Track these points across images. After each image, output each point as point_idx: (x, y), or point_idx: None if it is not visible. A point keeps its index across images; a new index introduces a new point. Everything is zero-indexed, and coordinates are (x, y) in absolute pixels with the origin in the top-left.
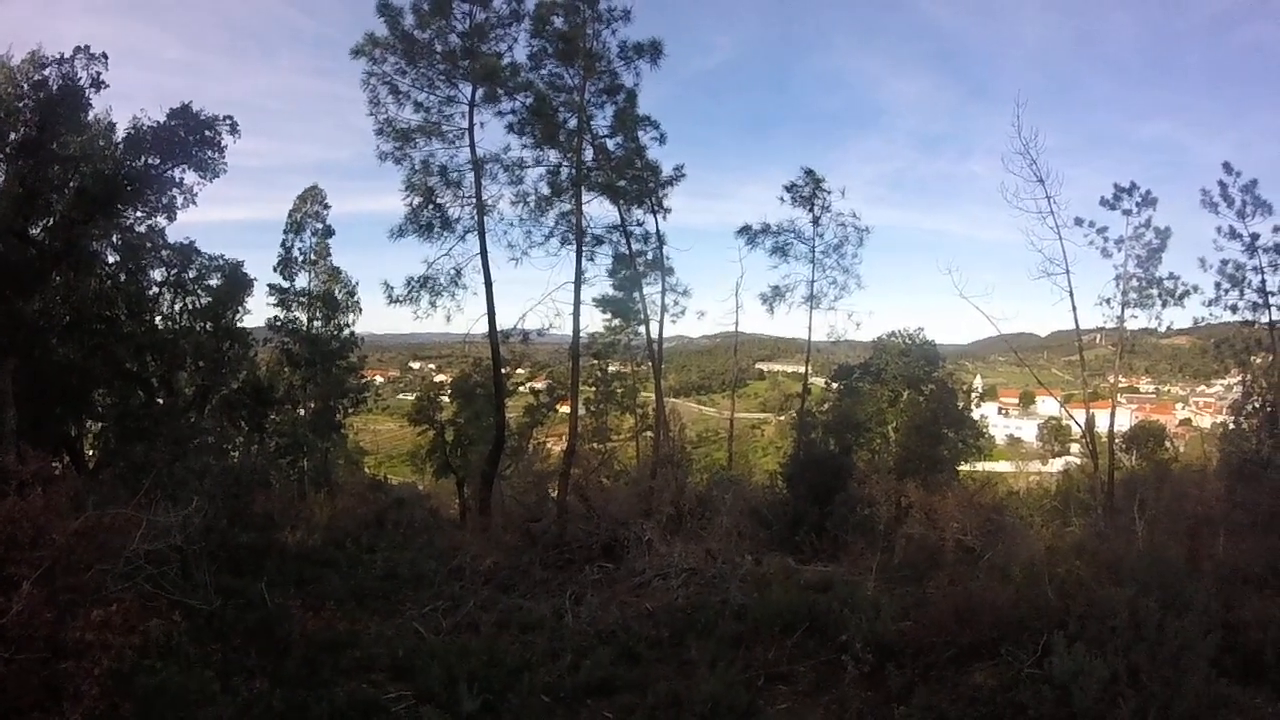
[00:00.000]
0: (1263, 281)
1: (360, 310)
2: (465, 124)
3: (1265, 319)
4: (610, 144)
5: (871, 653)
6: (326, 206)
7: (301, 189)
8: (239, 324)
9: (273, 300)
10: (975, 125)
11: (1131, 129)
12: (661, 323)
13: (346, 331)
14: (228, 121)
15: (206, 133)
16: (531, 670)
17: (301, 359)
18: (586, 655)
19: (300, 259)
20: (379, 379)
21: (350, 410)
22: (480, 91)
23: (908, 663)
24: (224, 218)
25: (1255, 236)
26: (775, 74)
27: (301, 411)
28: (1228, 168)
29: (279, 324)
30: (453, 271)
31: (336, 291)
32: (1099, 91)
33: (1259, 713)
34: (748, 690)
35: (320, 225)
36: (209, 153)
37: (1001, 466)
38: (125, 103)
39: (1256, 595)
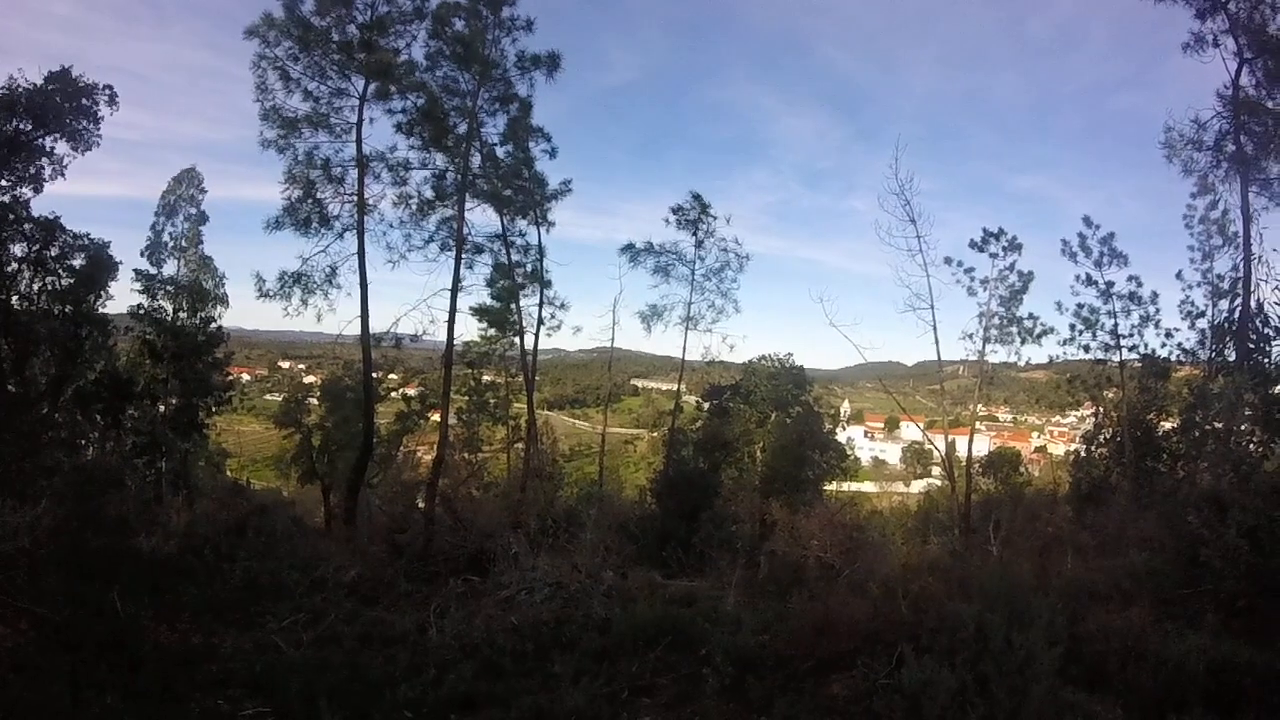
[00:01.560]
0: (1115, 325)
1: (228, 304)
2: (354, 118)
3: (1116, 358)
4: (500, 152)
5: (733, 665)
6: (203, 190)
7: (179, 168)
8: (100, 310)
9: (137, 287)
10: (859, 164)
11: (1007, 180)
12: (537, 335)
13: (214, 325)
14: (107, 91)
15: (84, 101)
16: (394, 685)
17: (164, 352)
18: (450, 670)
19: (170, 244)
20: (246, 377)
21: (214, 409)
22: (373, 87)
23: (768, 674)
24: (93, 192)
25: (1110, 284)
26: (674, 98)
27: (161, 408)
28: (1088, 221)
29: (141, 312)
30: (328, 269)
31: (205, 282)
32: (980, 143)
33: (1102, 717)
34: (611, 704)
35: (194, 210)
36: (84, 123)
37: (867, 487)
38: (3, 58)
39: (1101, 610)
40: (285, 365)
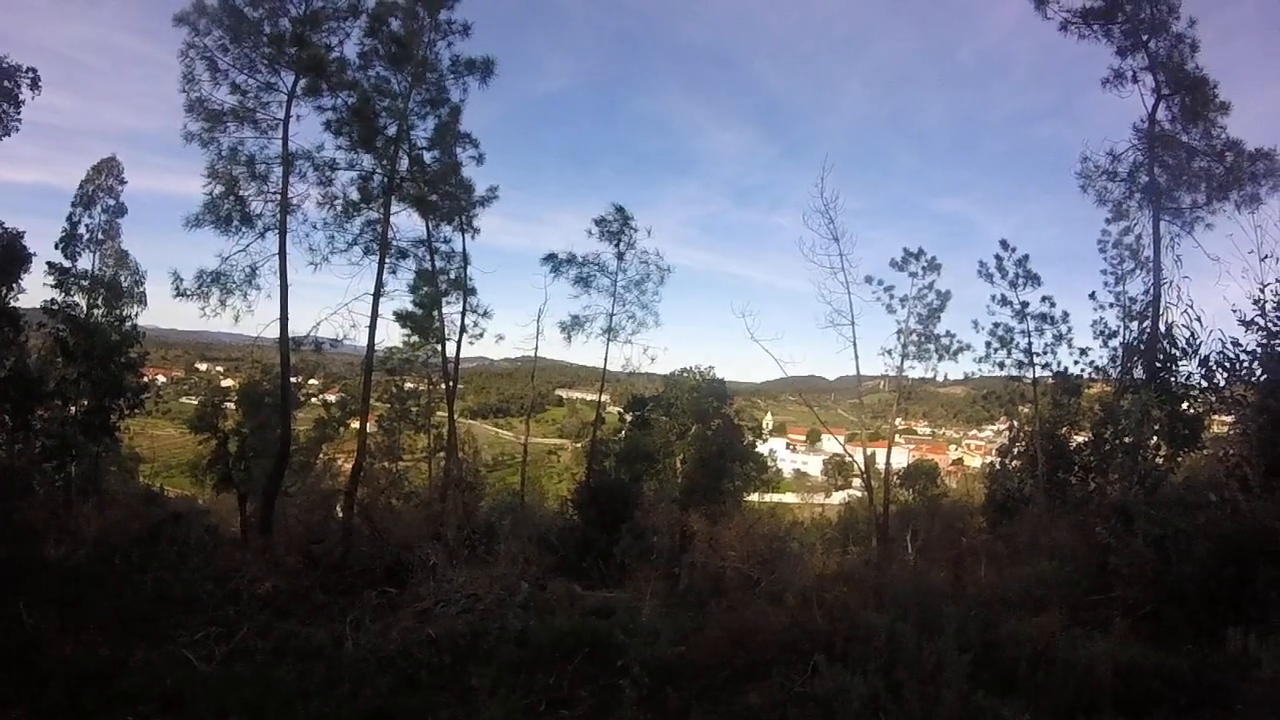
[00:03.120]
0: (1029, 344)
1: (146, 302)
2: (281, 114)
3: (1030, 376)
4: (427, 156)
5: (650, 676)
6: (122, 181)
7: (101, 156)
8: (11, 304)
9: (51, 280)
10: (787, 182)
11: (929, 201)
12: (459, 343)
13: (129, 324)
14: (29, 74)
15: (5, 84)
16: (308, 700)
17: (77, 350)
18: (365, 683)
19: (87, 237)
20: (161, 379)
21: (127, 412)
22: (303, 83)
23: (685, 685)
24: (7, 178)
25: (1025, 304)
26: (607, 108)
27: (72, 410)
28: (1004, 244)
29: (54, 308)
30: (248, 269)
31: (123, 278)
32: (905, 164)
33: None
34: (528, 716)
35: (113, 202)
36: (4, 106)
37: (789, 498)
38: None
39: (1013, 616)
40: (203, 367)
